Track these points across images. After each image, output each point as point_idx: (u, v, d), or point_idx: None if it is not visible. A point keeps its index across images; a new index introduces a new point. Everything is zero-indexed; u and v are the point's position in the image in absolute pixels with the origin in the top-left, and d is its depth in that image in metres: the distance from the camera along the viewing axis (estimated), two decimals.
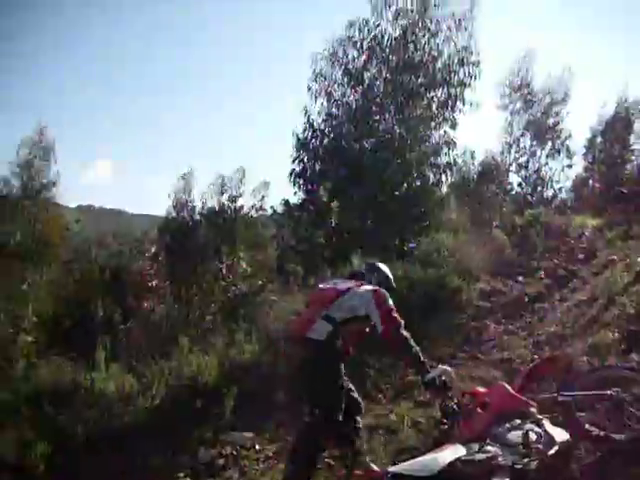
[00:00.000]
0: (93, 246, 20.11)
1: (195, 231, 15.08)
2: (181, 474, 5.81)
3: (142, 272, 13.60)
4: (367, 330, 5.14)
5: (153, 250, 14.49)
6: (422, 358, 4.85)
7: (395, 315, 5.00)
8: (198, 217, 15.52)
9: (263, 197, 16.16)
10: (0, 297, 11.87)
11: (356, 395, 5.31)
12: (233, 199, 15.75)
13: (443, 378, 4.98)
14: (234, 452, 6.05)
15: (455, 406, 4.84)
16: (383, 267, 5.88)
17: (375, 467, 4.27)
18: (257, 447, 6.01)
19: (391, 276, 5.79)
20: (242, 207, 15.50)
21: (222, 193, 15.73)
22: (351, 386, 5.30)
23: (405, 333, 4.90)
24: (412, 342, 4.89)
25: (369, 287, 5.26)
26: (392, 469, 3.88)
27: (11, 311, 11.58)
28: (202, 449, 6.21)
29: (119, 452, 6.27)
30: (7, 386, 6.92)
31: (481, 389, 5.09)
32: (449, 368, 5.17)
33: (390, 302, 5.08)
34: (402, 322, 4.96)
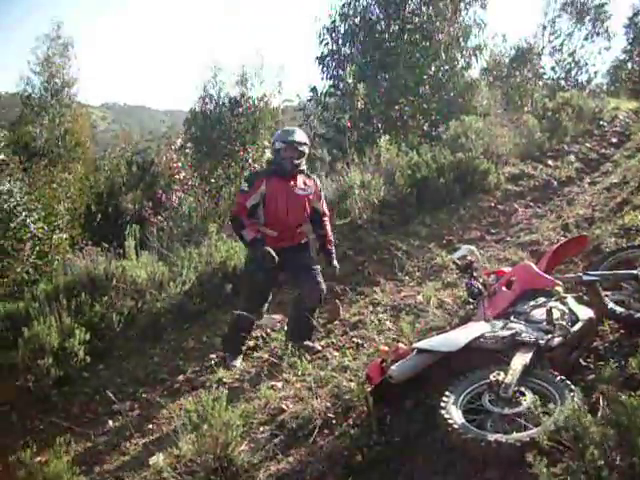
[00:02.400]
0: (120, 142, 20.24)
1: (220, 122, 14.96)
2: (213, 356, 5.99)
3: (170, 165, 13.64)
4: (267, 211, 5.52)
5: (179, 142, 14.45)
6: (248, 240, 5.46)
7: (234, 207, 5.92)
8: (222, 108, 15.37)
9: (280, 82, 15.91)
10: (32, 197, 12.03)
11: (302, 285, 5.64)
12: (251, 87, 15.52)
13: (469, 257, 5.00)
14: (264, 335, 6.20)
15: (480, 285, 4.88)
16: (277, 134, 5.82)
17: (402, 345, 4.35)
18: (286, 328, 6.14)
19: (281, 144, 5.57)
20: (264, 95, 15.28)
21: (243, 82, 15.51)
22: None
23: (234, 224, 5.58)
24: (241, 232, 5.49)
25: None
26: (418, 344, 3.95)
27: (44, 209, 11.77)
28: None
29: (153, 337, 6.51)
30: (47, 278, 7.13)
31: (506, 269, 5.11)
32: (474, 248, 5.18)
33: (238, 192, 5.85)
34: (234, 213, 5.66)
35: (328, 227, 5.89)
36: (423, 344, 3.94)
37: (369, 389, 4.12)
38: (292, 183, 5.54)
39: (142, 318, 6.44)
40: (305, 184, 5.62)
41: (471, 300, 4.99)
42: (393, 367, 3.85)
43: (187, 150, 14.49)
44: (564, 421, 2.63)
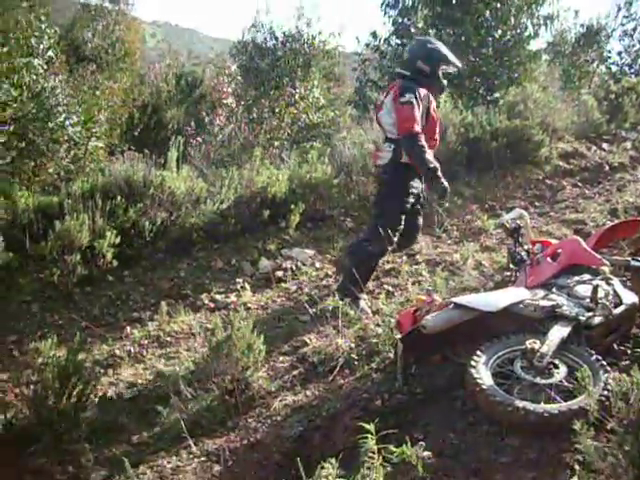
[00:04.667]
0: (167, 60, 20.01)
1: (271, 53, 14.67)
2: (240, 280, 5.95)
3: (218, 88, 13.45)
4: (427, 131, 4.97)
5: (234, 67, 14.22)
6: (432, 166, 4.87)
7: (408, 123, 4.80)
8: (274, 40, 15.07)
9: (342, 25, 15.50)
10: (74, 100, 11.93)
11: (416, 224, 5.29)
12: (309, 23, 15.13)
13: (518, 222, 4.86)
14: (294, 267, 6.13)
15: (524, 252, 4.76)
16: (420, 49, 5.22)
17: (436, 297, 4.24)
18: (317, 265, 6.07)
19: (453, 67, 5.19)
20: (320, 32, 14.91)
21: (299, 17, 15.15)
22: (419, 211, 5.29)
23: (420, 142, 4.81)
24: (426, 155, 4.85)
25: (392, 93, 5.00)
26: (456, 299, 3.84)
27: (84, 114, 11.69)
28: (263, 259, 6.32)
29: (181, 251, 6.46)
30: (85, 177, 7.07)
31: (553, 241, 4.97)
32: (526, 213, 5.03)
33: (407, 105, 4.79)
34: (415, 130, 4.81)
35: None
36: (461, 299, 3.84)
37: (398, 336, 4.05)
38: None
39: (174, 231, 6.36)
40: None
41: (512, 266, 4.87)
42: (427, 317, 3.75)
43: (238, 77, 14.23)
44: (619, 393, 2.51)
